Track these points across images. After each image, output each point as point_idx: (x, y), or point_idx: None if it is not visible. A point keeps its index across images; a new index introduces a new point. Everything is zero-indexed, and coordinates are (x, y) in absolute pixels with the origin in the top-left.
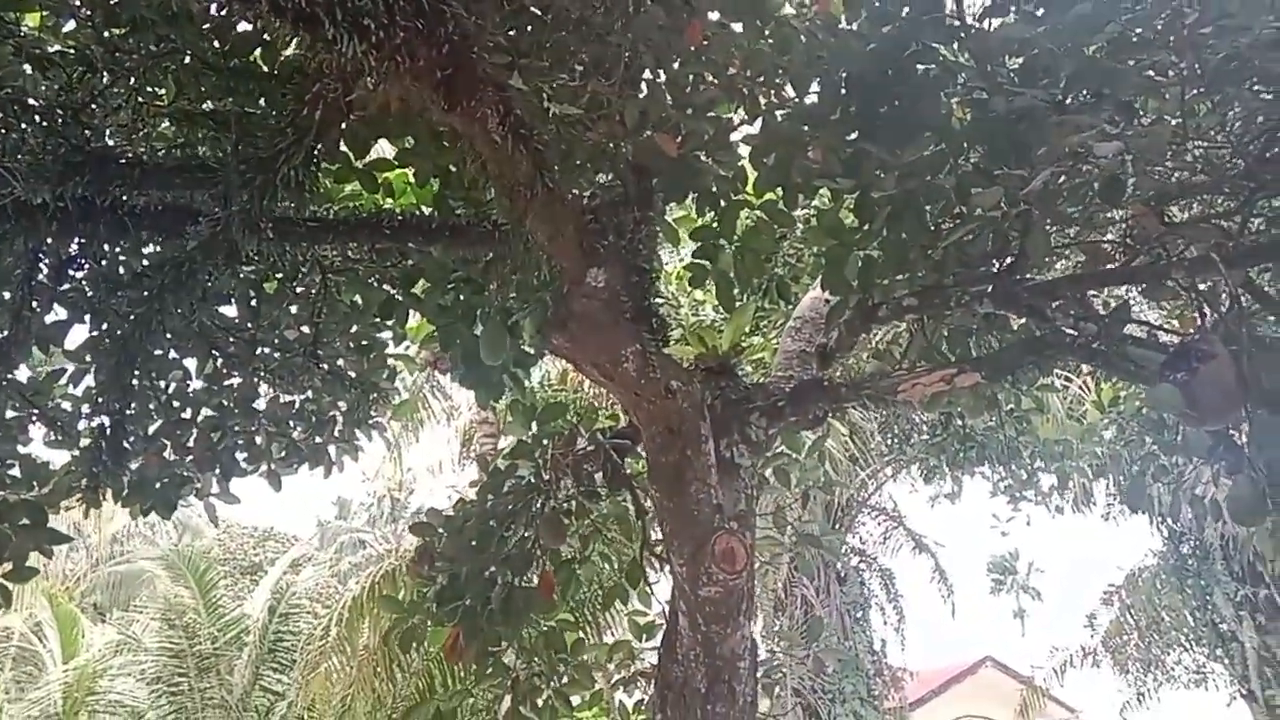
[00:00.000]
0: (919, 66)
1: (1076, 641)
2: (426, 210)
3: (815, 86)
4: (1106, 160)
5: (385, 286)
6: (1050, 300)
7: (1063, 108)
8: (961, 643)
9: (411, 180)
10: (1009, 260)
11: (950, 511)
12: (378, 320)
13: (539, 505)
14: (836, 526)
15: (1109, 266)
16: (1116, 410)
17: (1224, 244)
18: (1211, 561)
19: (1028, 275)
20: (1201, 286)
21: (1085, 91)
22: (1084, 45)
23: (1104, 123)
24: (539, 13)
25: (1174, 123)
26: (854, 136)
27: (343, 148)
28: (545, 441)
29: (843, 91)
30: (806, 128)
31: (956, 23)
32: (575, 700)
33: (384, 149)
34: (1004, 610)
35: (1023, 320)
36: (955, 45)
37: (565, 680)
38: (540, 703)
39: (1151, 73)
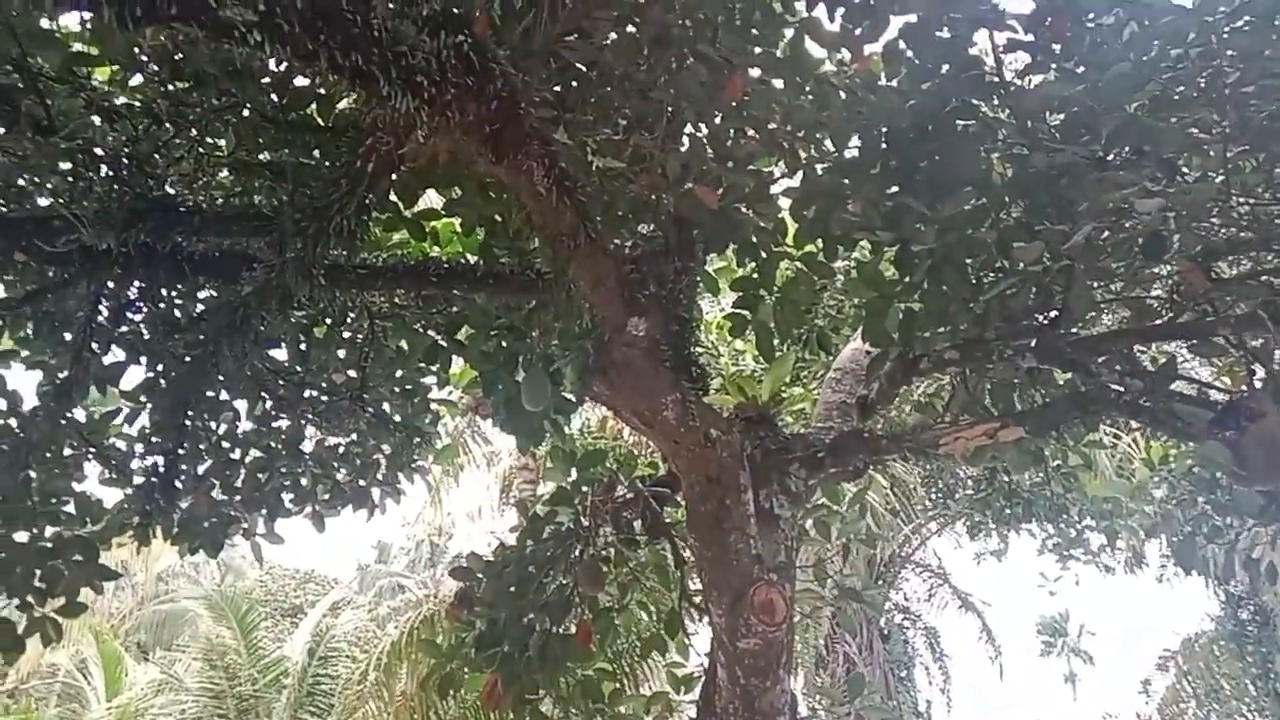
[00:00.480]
0: (958, 122)
1: (1130, 708)
2: (472, 259)
3: (855, 141)
4: (1149, 217)
5: (430, 332)
6: (1095, 355)
7: (1104, 164)
8: (1009, 705)
9: (458, 229)
10: (1052, 314)
11: (997, 569)
12: (422, 365)
13: (578, 552)
14: (879, 582)
15: (1155, 322)
16: (1167, 468)
17: (1273, 300)
18: (1272, 628)
19: (1071, 330)
20: (1251, 343)
21: (1126, 148)
22: (1124, 103)
23: (1146, 179)
24: (584, 69)
25: (1218, 180)
26: (894, 190)
27: (392, 198)
28: (585, 488)
29: (883, 146)
30: (846, 181)
31: (995, 79)
32: None
33: (432, 199)
34: (1054, 673)
35: (1067, 375)
36: (995, 101)
37: None
38: None
39: (1195, 130)
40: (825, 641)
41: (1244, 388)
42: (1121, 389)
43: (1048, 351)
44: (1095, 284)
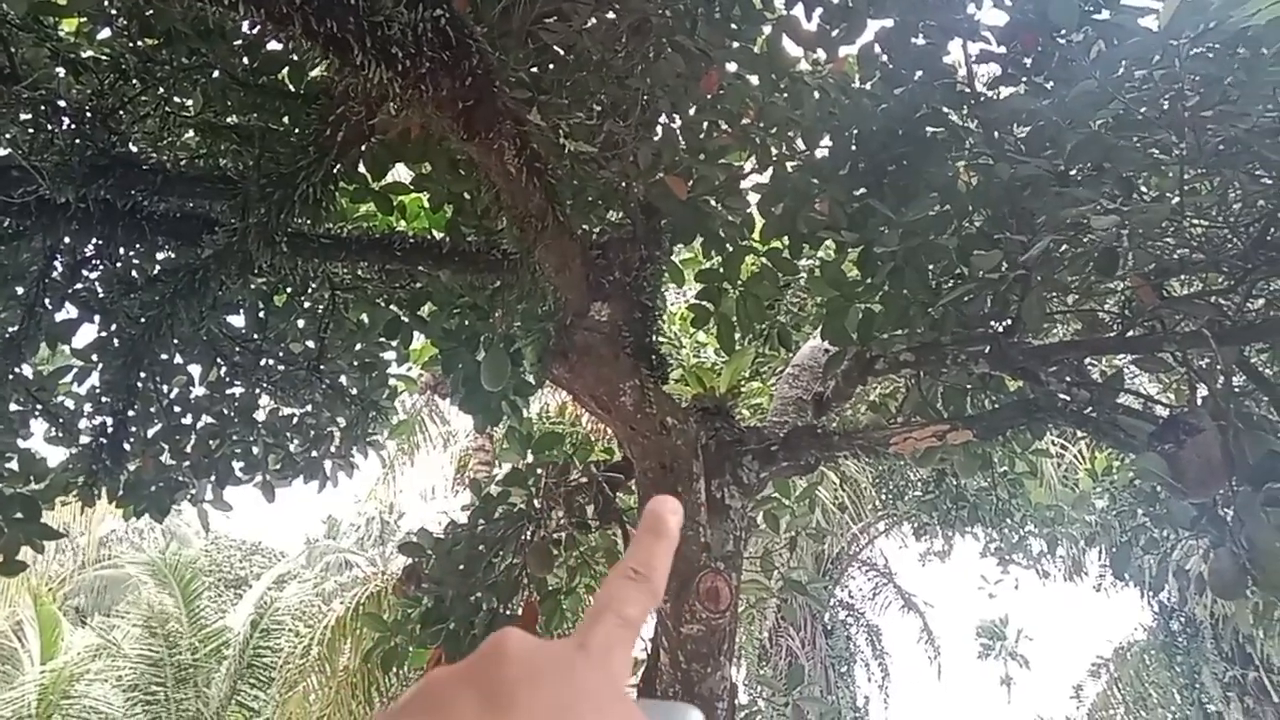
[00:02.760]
0: (928, 129)
1: (1062, 712)
2: (438, 235)
3: (826, 141)
4: (1105, 233)
5: (392, 307)
6: (1046, 364)
7: (1065, 178)
8: (946, 706)
9: (426, 205)
10: (1006, 323)
11: (940, 571)
12: (382, 340)
13: (529, 533)
14: (825, 578)
15: (1105, 336)
16: (1110, 480)
17: (1218, 321)
18: (1201, 640)
19: (1024, 339)
20: (1196, 362)
21: (1087, 164)
22: (1088, 119)
23: (1103, 196)
24: (561, 52)
25: (1174, 200)
26: (861, 192)
27: (361, 169)
28: (539, 470)
29: (852, 148)
30: (815, 180)
31: (967, 89)
32: None
33: (401, 173)
34: (991, 676)
35: (1018, 383)
36: (964, 111)
37: None
38: None
39: (1155, 150)
40: (769, 635)
41: (1185, 404)
42: (1069, 398)
43: (1000, 358)
44: (1050, 295)
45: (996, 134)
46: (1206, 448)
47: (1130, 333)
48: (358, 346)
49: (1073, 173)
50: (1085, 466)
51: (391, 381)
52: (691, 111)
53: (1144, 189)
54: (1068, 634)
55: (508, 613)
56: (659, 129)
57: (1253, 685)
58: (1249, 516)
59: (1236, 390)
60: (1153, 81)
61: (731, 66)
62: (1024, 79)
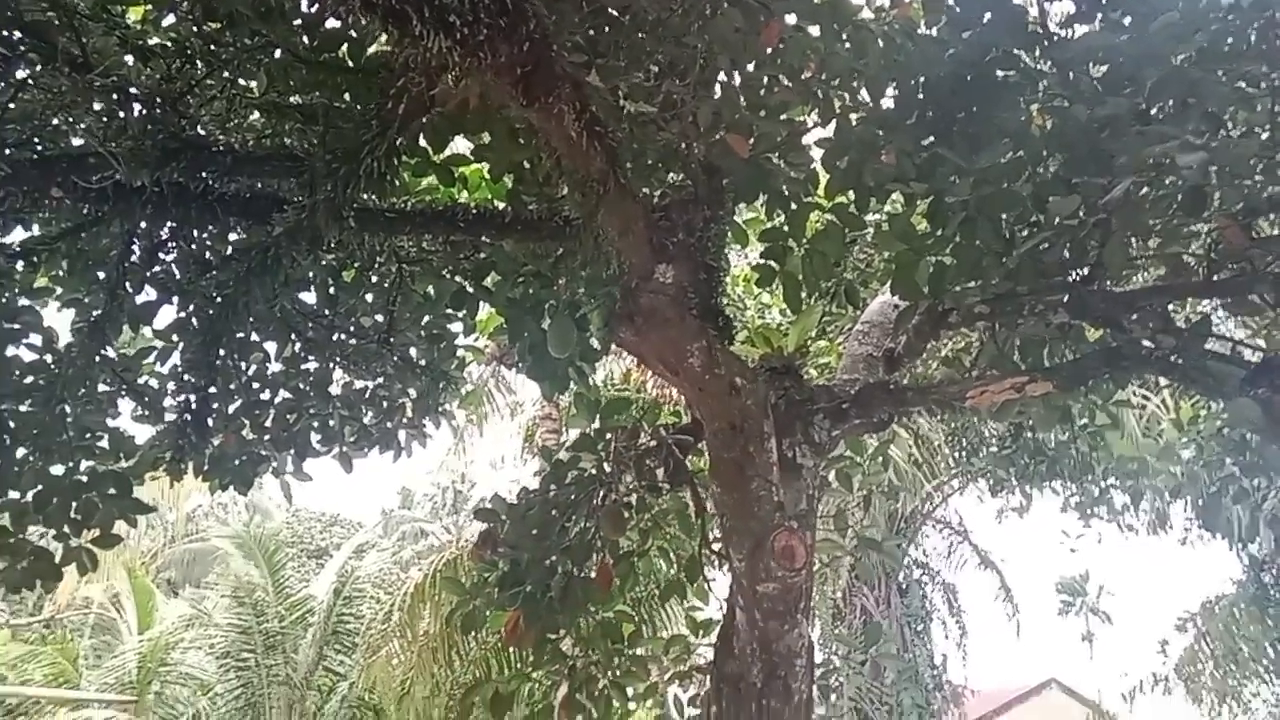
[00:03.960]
0: (999, 73)
1: (1147, 668)
2: (500, 205)
3: (891, 90)
4: (1190, 172)
5: (457, 278)
6: (1128, 312)
7: (1146, 117)
8: (1026, 663)
9: (486, 175)
10: (1085, 270)
11: (1018, 527)
12: (449, 311)
13: (600, 497)
14: (900, 536)
15: (1191, 280)
16: (1196, 430)
17: None
18: None
19: (1105, 285)
20: None
21: (1170, 101)
22: (1170, 54)
23: (1189, 134)
24: (617, 14)
25: (1264, 136)
26: (929, 141)
27: (422, 143)
28: (608, 435)
29: (919, 96)
30: (881, 132)
31: (1039, 29)
32: (630, 691)
33: (461, 145)
34: (1072, 632)
35: (1099, 332)
36: (1036, 52)
37: (621, 671)
38: (596, 692)
39: (1242, 84)
40: (843, 594)
41: (1278, 347)
42: (1154, 345)
43: (1080, 307)
44: (1131, 240)
45: (1072, 74)
46: None
47: (1218, 276)
48: (425, 318)
49: (1154, 111)
50: (1170, 416)
51: (460, 352)
52: (751, 67)
53: (1230, 125)
54: (1152, 589)
55: (582, 575)
56: (718, 87)
57: None
58: None
59: None
60: (1240, 9)
61: (791, 18)
62: (1099, 15)
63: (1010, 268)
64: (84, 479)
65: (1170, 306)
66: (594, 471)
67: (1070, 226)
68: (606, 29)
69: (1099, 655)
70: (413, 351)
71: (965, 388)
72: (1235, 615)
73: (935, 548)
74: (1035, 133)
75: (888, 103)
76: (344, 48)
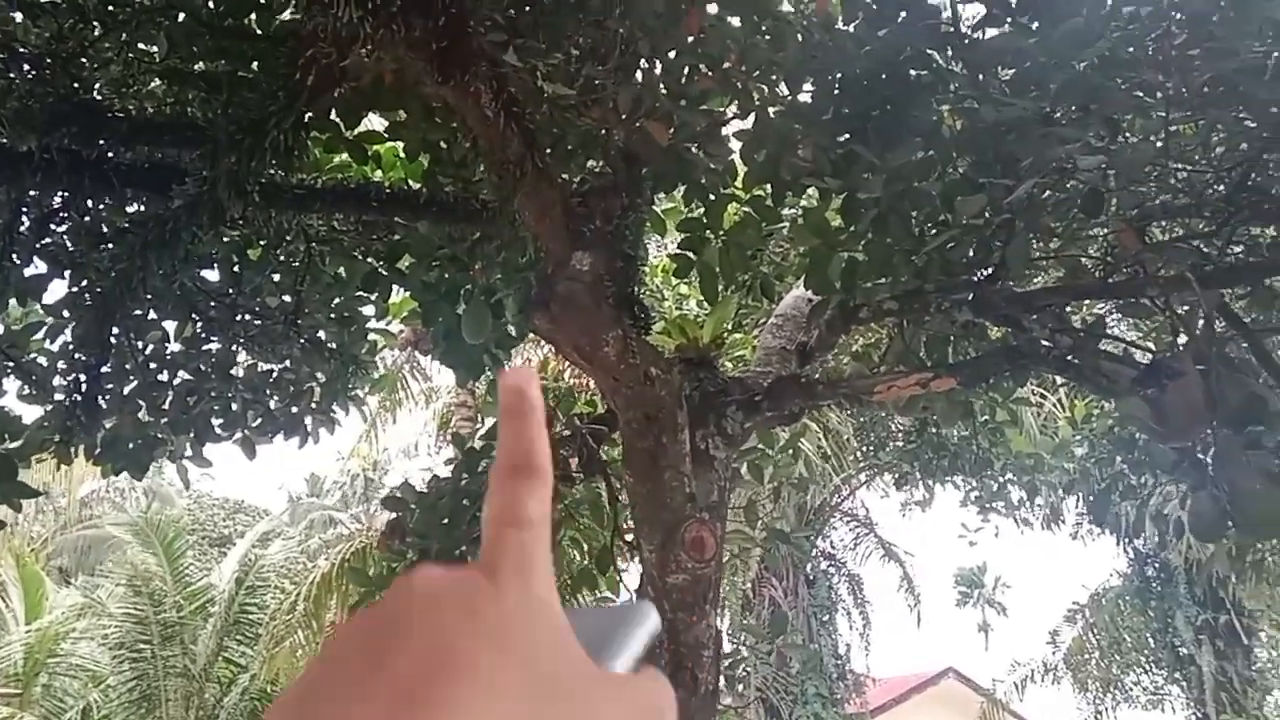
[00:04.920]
0: (912, 72)
1: (1039, 657)
2: (415, 185)
3: (809, 85)
4: (1089, 174)
5: (370, 259)
6: (1028, 311)
7: (1050, 120)
8: (925, 653)
9: (401, 154)
10: (990, 269)
11: (921, 521)
12: (361, 293)
13: None
14: (808, 528)
15: (1088, 281)
16: (1089, 428)
17: (1200, 265)
18: (1174, 585)
19: (1007, 285)
20: (1177, 308)
21: (1073, 106)
22: (1074, 60)
23: (1089, 137)
24: None
25: (1158, 143)
26: (845, 137)
27: (334, 118)
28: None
29: (836, 91)
30: (798, 126)
31: (951, 30)
32: None
33: (374, 123)
34: (969, 623)
35: (1000, 330)
36: (949, 52)
37: None
38: None
39: (1139, 92)
40: (752, 585)
41: (1165, 350)
42: (1052, 345)
43: (984, 305)
44: (1033, 241)
45: (981, 76)
46: (1188, 391)
47: (1112, 278)
48: (335, 300)
49: (1057, 115)
50: (1065, 415)
51: (371, 336)
52: (672, 55)
53: (1128, 133)
54: (1045, 581)
55: None
56: (639, 73)
57: (1223, 629)
58: (1229, 460)
59: (1218, 335)
60: (1140, 20)
61: (712, 8)
62: (1009, 19)
63: (919, 265)
64: None
65: (1068, 308)
66: None
67: (976, 226)
68: (526, 8)
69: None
70: (321, 334)
71: (874, 382)
72: (1120, 607)
73: (842, 540)
74: (946, 133)
75: (805, 97)
76: (251, 15)
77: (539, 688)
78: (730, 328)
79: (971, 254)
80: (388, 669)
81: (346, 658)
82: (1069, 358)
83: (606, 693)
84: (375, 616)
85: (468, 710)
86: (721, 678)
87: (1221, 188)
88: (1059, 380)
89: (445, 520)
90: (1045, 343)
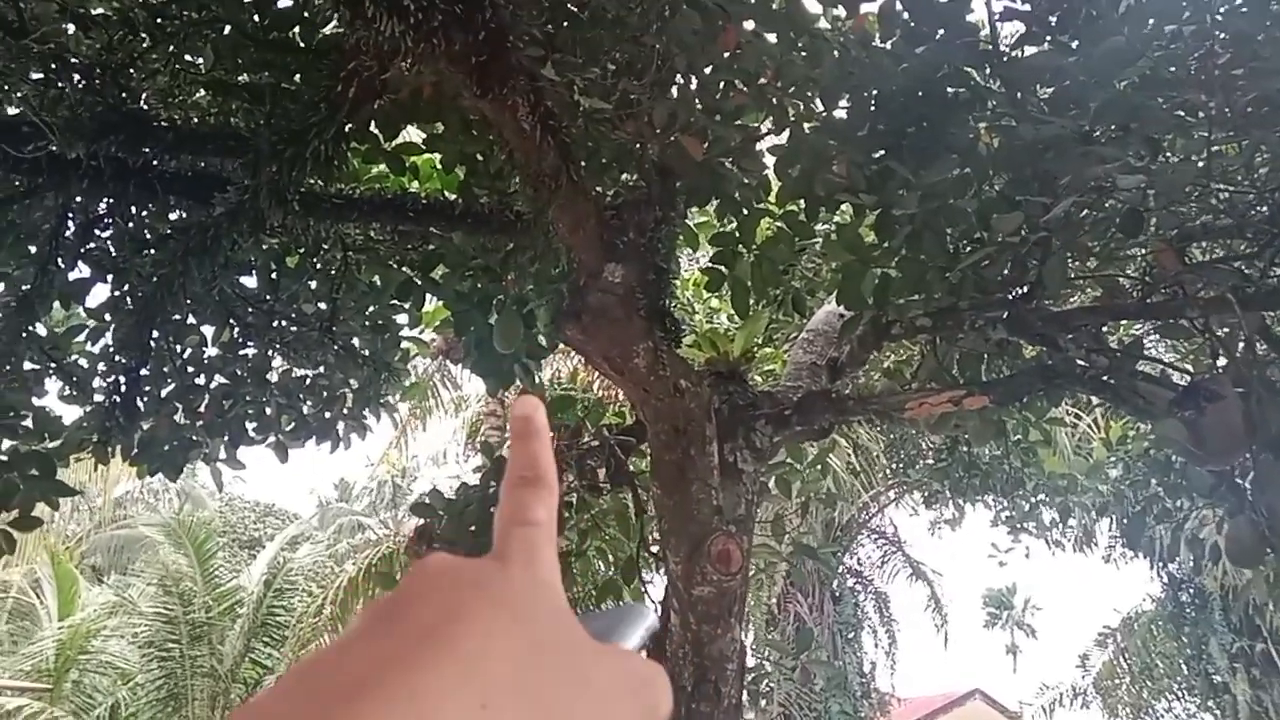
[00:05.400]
0: (949, 89)
1: (1067, 681)
2: (451, 196)
3: (845, 101)
4: (1129, 194)
5: (404, 269)
6: (1064, 330)
7: (1089, 139)
8: (952, 674)
9: (438, 166)
10: (1025, 288)
11: (950, 540)
12: (395, 302)
13: None
14: (835, 544)
15: (1125, 302)
16: (1124, 449)
17: (1241, 287)
18: (1209, 611)
19: (1043, 304)
20: (1217, 330)
21: (1113, 125)
22: (1115, 78)
23: (1129, 156)
24: (575, 9)
25: (1200, 163)
26: (880, 154)
27: (373, 129)
28: (551, 433)
29: (872, 108)
30: (833, 142)
31: (990, 48)
32: None
33: (413, 135)
34: (997, 645)
35: (1035, 349)
36: (987, 70)
37: None
38: None
39: (1181, 111)
40: (777, 600)
41: (1204, 372)
42: (1087, 364)
43: (1018, 324)
44: (1070, 260)
45: (1020, 94)
46: (1228, 414)
47: (1151, 299)
48: (370, 308)
49: (1097, 134)
50: (1099, 436)
51: (404, 344)
52: (708, 70)
53: (1169, 152)
54: (1076, 604)
55: None
56: (674, 89)
57: (1259, 657)
58: (1269, 484)
59: (1258, 357)
60: (1182, 38)
61: (749, 24)
62: (1049, 37)
63: (953, 282)
64: (4, 458)
65: (1104, 328)
66: None
67: (1012, 244)
68: (564, 24)
69: (1022, 668)
70: (356, 341)
71: (905, 399)
72: (1153, 632)
73: (869, 557)
74: (982, 150)
75: (841, 113)
76: (295, 28)
77: (537, 647)
78: (760, 342)
79: (1007, 272)
80: (406, 620)
81: (370, 618)
82: (1105, 378)
83: (599, 660)
84: (394, 592)
85: (469, 651)
86: (745, 692)
87: (1265, 209)
88: (1094, 401)
89: (472, 527)
90: (1081, 362)
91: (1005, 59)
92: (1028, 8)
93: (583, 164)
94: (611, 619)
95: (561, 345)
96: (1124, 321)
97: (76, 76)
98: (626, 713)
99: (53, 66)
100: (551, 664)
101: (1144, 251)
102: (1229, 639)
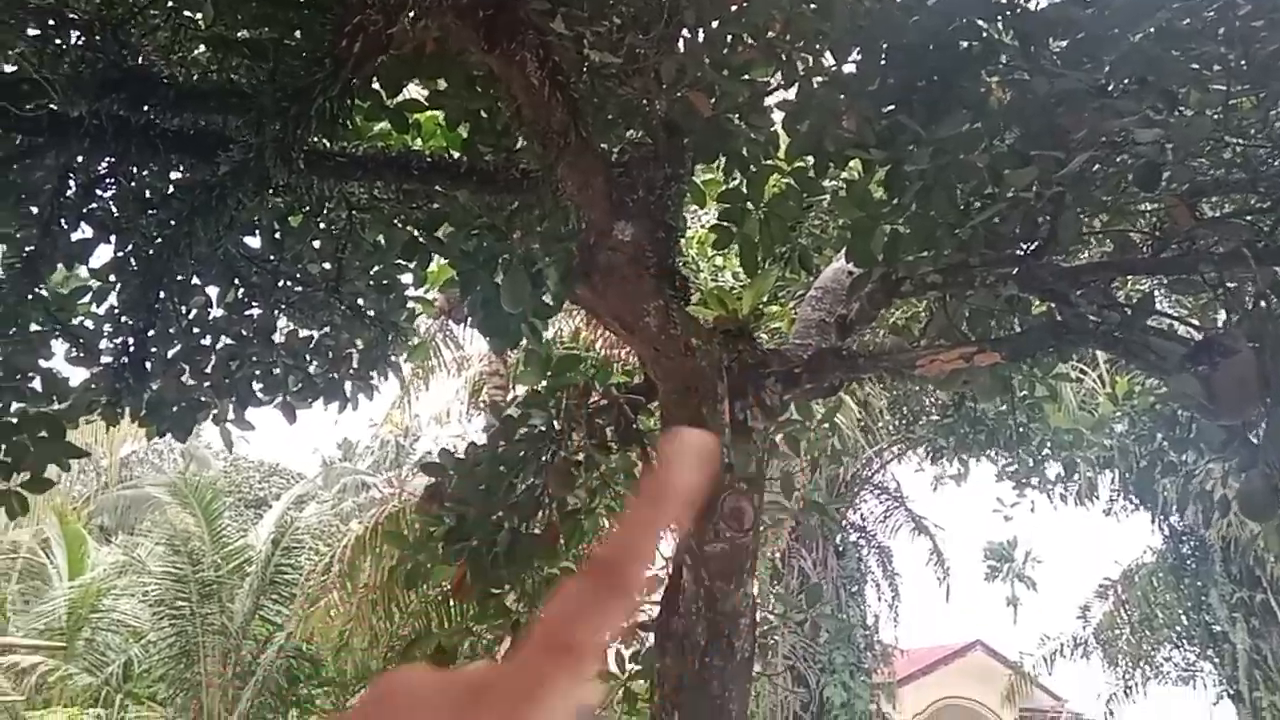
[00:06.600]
0: (961, 42)
1: (1068, 632)
2: (455, 154)
3: (855, 55)
4: (1145, 147)
5: (409, 228)
6: (1075, 286)
7: (1104, 93)
8: (954, 625)
9: (442, 123)
10: (1036, 243)
11: (952, 495)
12: (400, 261)
13: (549, 454)
14: (839, 500)
15: (1137, 256)
16: (1130, 404)
17: (1255, 241)
18: (1210, 562)
19: (1054, 259)
20: (1230, 284)
21: (1128, 78)
22: (1131, 30)
23: (1146, 110)
24: None
25: (1215, 117)
26: (890, 108)
27: (375, 86)
28: (559, 393)
29: (882, 62)
30: (843, 96)
31: (1002, 1)
32: None
33: (414, 93)
34: (998, 597)
35: (1045, 305)
36: (1000, 23)
37: None
38: None
39: (1197, 65)
40: (781, 555)
41: (1215, 327)
42: (1099, 320)
43: (1029, 280)
44: (1083, 214)
45: (1033, 47)
46: (1241, 369)
47: (1163, 254)
48: (375, 268)
49: (1111, 88)
50: (1105, 391)
51: (410, 303)
52: (715, 24)
53: (1183, 106)
54: (1074, 557)
55: (529, 532)
56: (682, 43)
57: (1259, 607)
58: None
59: (1272, 312)
60: None
61: None
62: None
63: (963, 239)
64: (14, 421)
65: (1114, 283)
66: (544, 429)
67: (1024, 199)
68: None
69: (1023, 620)
70: (361, 301)
71: (916, 356)
72: (1153, 583)
73: (872, 512)
74: (994, 104)
75: (850, 67)
76: None
77: None
78: (768, 300)
79: (1018, 227)
80: None
81: None
82: (1116, 334)
83: None
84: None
85: None
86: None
87: (1278, 163)
88: (1100, 356)
89: (482, 486)
90: (1092, 318)
91: (1019, 11)
92: None
93: (590, 120)
94: None
95: (565, 304)
96: (1132, 277)
97: (76, 33)
98: None
99: (51, 23)
100: None
101: (1156, 206)
102: (1229, 589)
